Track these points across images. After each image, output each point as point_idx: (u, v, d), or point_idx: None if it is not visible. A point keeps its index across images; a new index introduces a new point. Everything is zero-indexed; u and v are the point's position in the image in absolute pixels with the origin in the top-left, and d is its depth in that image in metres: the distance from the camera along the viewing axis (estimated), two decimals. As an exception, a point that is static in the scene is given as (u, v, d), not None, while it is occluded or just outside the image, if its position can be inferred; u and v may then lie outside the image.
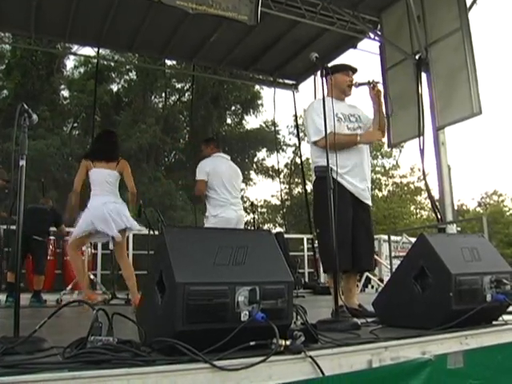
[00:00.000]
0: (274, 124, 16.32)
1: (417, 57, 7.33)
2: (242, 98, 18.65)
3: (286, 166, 23.00)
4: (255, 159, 19.74)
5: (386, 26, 8.12)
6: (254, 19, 6.18)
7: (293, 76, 10.61)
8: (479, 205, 32.02)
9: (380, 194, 26.35)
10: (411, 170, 26.65)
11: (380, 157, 26.54)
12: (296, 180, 23.54)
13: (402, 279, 2.84)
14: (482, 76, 6.84)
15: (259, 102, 18.89)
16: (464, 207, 31.53)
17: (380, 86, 3.98)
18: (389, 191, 27.35)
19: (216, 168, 5.35)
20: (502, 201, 30.73)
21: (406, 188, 26.83)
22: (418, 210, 27.38)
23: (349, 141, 3.88)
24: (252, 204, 15.63)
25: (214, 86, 17.91)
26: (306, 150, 24.94)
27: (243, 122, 19.49)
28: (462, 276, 2.56)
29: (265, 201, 23.89)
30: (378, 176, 26.60)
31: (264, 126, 19.78)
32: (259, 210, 21.62)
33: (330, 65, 3.95)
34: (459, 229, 7.82)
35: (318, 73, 9.98)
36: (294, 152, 21.77)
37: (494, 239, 25.96)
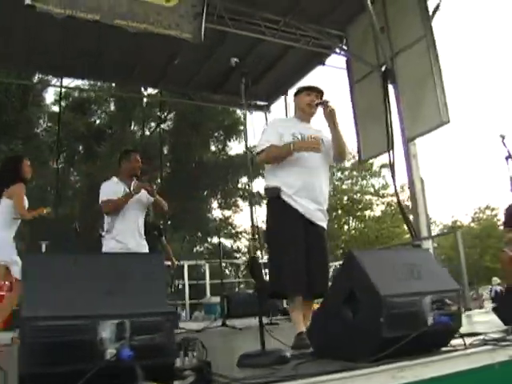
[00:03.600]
0: (247, 148, 15.95)
1: (383, 68, 7.08)
2: (225, 123, 18.43)
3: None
4: (240, 185, 19.43)
5: (351, 40, 7.92)
6: (198, 37, 5.92)
7: (263, 97, 10.36)
8: (473, 220, 31.70)
9: (372, 214, 26.02)
10: (401, 188, 26.37)
11: (369, 177, 26.32)
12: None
13: (332, 304, 2.46)
14: (451, 83, 6.58)
15: (241, 127, 18.63)
16: (458, 223, 31.20)
17: (333, 105, 3.67)
18: (381, 211, 27.06)
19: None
20: (495, 215, 30.43)
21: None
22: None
23: (282, 151, 3.55)
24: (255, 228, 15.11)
25: (194, 112, 17.68)
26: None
27: (226, 148, 19.24)
28: (395, 298, 2.19)
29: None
30: (369, 196, 26.32)
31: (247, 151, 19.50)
32: (247, 236, 21.17)
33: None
34: (436, 245, 7.45)
35: (290, 92, 9.85)
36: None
37: (487, 254, 25.57)
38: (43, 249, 6.52)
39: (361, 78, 7.61)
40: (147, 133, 19.12)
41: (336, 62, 8.96)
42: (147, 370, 1.63)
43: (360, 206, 25.50)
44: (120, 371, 1.63)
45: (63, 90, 17.91)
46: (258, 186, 21.02)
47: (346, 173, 26.70)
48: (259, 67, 9.14)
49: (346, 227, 25.75)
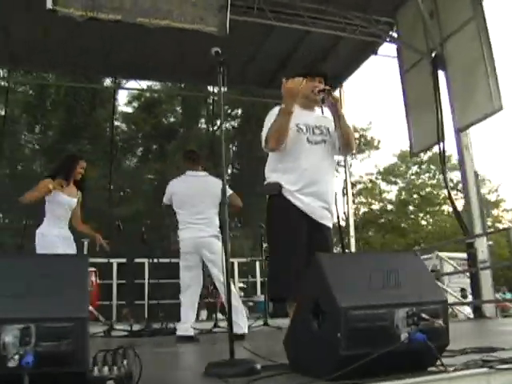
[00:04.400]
0: None
1: (433, 54, 6.61)
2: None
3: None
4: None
5: (401, 27, 7.49)
6: (223, 30, 5.78)
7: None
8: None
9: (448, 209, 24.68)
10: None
11: (448, 170, 24.86)
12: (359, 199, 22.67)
13: (302, 313, 2.25)
14: (505, 68, 6.01)
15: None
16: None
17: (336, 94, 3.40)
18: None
19: (182, 188, 4.94)
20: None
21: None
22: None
23: (280, 121, 3.18)
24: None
25: (259, 109, 17.62)
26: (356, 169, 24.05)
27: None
28: (358, 310, 1.94)
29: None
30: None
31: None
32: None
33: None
34: (491, 243, 6.88)
35: (345, 84, 9.50)
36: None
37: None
38: (85, 247, 6.68)
39: (411, 67, 7.17)
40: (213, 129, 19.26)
41: (388, 50, 8.52)
42: (53, 378, 1.58)
43: (438, 201, 24.24)
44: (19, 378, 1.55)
45: (135, 91, 18.79)
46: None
47: (424, 166, 25.52)
48: (311, 60, 8.91)
49: (423, 222, 24.62)
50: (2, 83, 14.48)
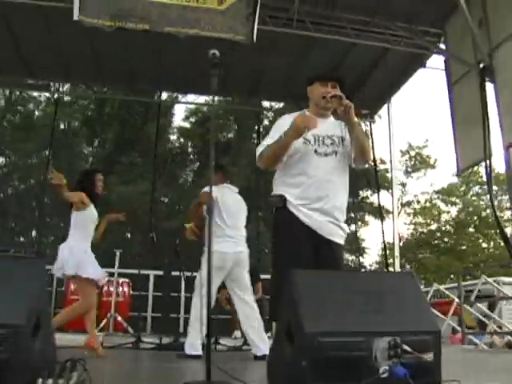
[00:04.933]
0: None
1: (481, 66, 6.21)
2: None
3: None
4: (359, 199, 18.65)
5: (449, 37, 7.11)
6: (250, 38, 5.67)
7: (365, 105, 9.75)
8: None
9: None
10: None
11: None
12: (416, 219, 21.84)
13: (279, 335, 2.05)
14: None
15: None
16: None
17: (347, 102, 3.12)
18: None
19: (222, 198, 4.83)
20: None
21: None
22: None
23: (279, 146, 3.04)
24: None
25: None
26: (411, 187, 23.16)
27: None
28: (328, 337, 1.72)
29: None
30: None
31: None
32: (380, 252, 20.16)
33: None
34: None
35: (392, 99, 9.18)
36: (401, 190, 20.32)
37: None
38: (117, 257, 6.69)
39: (459, 79, 6.78)
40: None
41: (435, 63, 8.12)
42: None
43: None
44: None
45: (191, 106, 19.07)
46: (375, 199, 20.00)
47: (485, 187, 24.29)
48: (357, 73, 8.66)
49: (484, 245, 23.37)
50: (54, 96, 15.15)
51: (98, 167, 5.82)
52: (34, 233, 16.51)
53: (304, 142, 3.12)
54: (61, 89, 13.81)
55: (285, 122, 3.22)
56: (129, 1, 5.20)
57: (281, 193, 3.13)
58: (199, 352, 4.41)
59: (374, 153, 10.57)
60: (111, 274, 6.88)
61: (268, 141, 3.18)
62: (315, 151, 3.16)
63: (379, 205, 12.32)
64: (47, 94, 14.18)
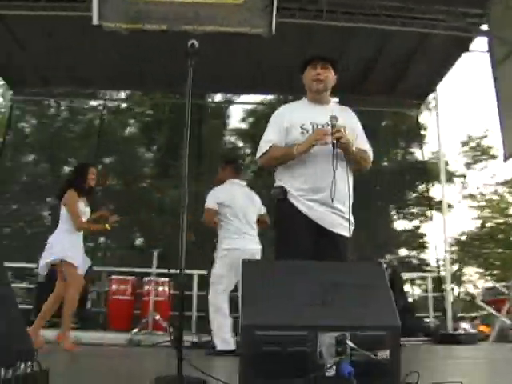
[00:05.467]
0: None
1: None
2: (402, 127, 17.21)
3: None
4: (418, 193, 17.91)
5: (491, 17, 6.67)
6: (269, 30, 5.56)
7: (410, 95, 9.40)
8: None
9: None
10: None
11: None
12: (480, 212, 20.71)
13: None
14: None
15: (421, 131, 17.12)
16: None
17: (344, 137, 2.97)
18: None
19: (231, 196, 4.80)
20: None
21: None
22: None
23: (285, 154, 3.05)
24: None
25: (368, 118, 17.00)
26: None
27: (403, 153, 17.96)
28: (267, 330, 1.61)
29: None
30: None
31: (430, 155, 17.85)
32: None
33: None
34: None
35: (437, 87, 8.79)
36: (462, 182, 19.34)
37: None
38: (154, 257, 6.77)
39: (502, 60, 6.35)
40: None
41: (479, 45, 7.64)
42: None
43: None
44: None
45: (249, 106, 19.08)
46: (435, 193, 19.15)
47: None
48: (398, 63, 8.35)
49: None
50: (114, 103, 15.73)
51: (91, 162, 6.01)
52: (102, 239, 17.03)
53: (302, 132, 3.06)
54: (116, 96, 14.28)
55: (283, 115, 3.20)
56: (146, 3, 5.27)
57: (282, 184, 3.08)
58: (232, 347, 4.41)
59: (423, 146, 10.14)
60: (148, 274, 6.99)
61: (270, 137, 3.14)
62: None
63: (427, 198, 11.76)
64: (101, 102, 14.62)
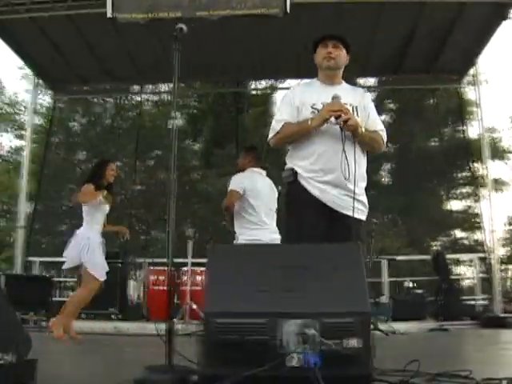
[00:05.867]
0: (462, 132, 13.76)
1: None
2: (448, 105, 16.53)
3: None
4: (466, 173, 17.15)
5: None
6: (284, 9, 5.44)
7: (450, 69, 9.01)
8: None
9: None
10: None
11: None
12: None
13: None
14: None
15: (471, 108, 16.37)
16: None
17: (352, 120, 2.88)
18: None
19: (253, 185, 4.73)
20: None
21: None
22: None
23: (299, 130, 2.98)
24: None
25: (412, 98, 16.47)
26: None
27: (452, 132, 17.25)
28: (227, 317, 1.55)
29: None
30: None
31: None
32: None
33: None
34: None
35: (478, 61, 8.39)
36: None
37: None
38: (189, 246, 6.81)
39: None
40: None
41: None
42: None
43: None
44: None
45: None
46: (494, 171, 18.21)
47: None
48: (435, 36, 7.99)
49: None
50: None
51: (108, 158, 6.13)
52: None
53: (312, 112, 3.04)
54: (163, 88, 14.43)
55: (294, 95, 3.14)
56: None
57: (291, 166, 3.03)
58: None
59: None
60: (184, 264, 7.05)
61: (282, 115, 3.09)
62: None
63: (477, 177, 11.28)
64: (145, 96, 14.83)
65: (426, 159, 16.88)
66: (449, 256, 15.88)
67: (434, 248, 16.34)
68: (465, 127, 12.42)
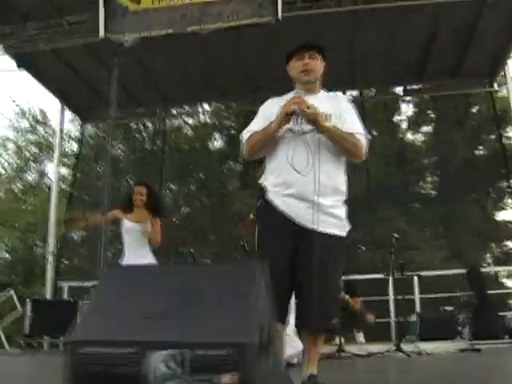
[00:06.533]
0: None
1: None
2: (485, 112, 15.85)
3: None
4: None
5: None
6: (276, 16, 5.35)
7: (480, 73, 8.61)
8: None
9: None
10: None
11: None
12: None
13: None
14: None
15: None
16: None
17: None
18: None
19: None
20: None
21: None
22: None
23: (264, 135, 2.81)
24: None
25: (456, 108, 15.93)
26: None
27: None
28: (92, 346, 1.40)
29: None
30: None
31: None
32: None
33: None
34: None
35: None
36: None
37: None
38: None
39: None
40: (409, 136, 17.82)
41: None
42: None
43: None
44: None
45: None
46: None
47: None
48: (459, 38, 7.69)
49: None
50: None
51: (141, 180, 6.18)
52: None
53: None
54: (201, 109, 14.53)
55: (269, 105, 2.98)
56: (152, 11, 5.36)
57: (261, 181, 2.90)
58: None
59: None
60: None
61: (252, 126, 2.96)
62: (290, 130, 2.83)
63: None
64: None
65: (469, 168, 16.21)
66: (498, 268, 15.05)
67: (486, 261, 15.59)
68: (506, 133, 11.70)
